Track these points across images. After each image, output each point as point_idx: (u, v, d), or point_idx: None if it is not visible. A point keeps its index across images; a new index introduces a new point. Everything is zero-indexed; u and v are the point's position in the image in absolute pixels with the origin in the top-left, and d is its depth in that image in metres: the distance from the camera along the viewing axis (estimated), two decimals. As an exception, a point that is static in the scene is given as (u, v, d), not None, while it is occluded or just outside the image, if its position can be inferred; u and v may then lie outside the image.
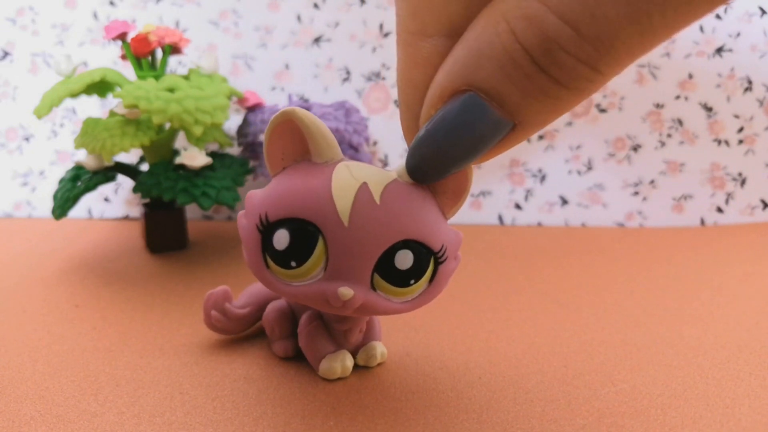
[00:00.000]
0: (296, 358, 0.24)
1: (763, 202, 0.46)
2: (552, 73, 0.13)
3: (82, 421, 0.19)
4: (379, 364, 0.23)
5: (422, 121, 0.16)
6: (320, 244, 0.18)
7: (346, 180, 0.17)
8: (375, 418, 0.20)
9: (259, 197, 0.18)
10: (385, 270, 0.18)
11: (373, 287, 0.18)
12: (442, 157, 0.16)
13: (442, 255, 0.19)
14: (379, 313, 0.19)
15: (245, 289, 0.26)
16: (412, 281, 0.18)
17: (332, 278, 0.18)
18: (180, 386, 0.22)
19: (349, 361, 0.22)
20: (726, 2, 0.12)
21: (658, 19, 0.12)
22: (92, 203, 0.48)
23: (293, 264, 0.18)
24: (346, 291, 0.18)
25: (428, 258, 0.18)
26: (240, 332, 0.25)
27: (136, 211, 0.48)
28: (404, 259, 0.18)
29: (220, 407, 0.20)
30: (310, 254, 0.18)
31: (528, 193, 0.47)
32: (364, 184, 0.17)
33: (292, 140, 0.18)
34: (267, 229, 0.18)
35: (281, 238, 0.18)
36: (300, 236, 0.18)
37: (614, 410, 0.20)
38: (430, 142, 0.15)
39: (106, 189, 0.48)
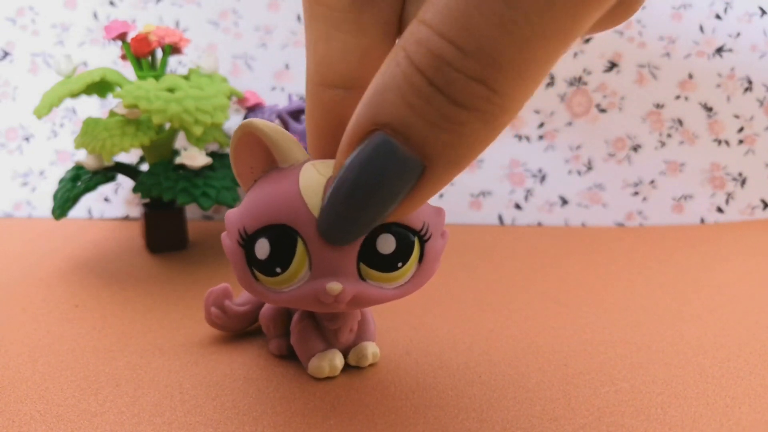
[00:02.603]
0: (296, 358, 0.24)
1: (763, 201, 0.46)
2: (447, 92, 0.12)
3: (82, 421, 0.19)
4: (371, 365, 0.23)
5: (334, 172, 0.15)
6: (300, 245, 0.18)
7: (312, 177, 0.17)
8: (375, 418, 0.20)
9: (236, 215, 0.19)
10: (370, 257, 0.18)
11: (362, 277, 0.18)
12: (353, 209, 0.15)
13: (426, 233, 0.18)
14: (374, 303, 0.19)
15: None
16: (400, 264, 0.18)
17: (319, 276, 0.18)
18: (180, 386, 0.22)
19: (339, 361, 0.22)
20: (590, 14, 0.12)
21: (526, 27, 0.11)
22: (92, 203, 0.48)
23: (278, 270, 0.18)
24: (334, 286, 0.18)
25: (412, 239, 0.18)
26: (239, 330, 0.26)
27: (136, 211, 0.48)
28: (386, 243, 0.18)
29: (220, 407, 0.20)
30: (292, 257, 0.18)
31: (528, 193, 0.47)
32: (331, 178, 0.17)
33: (256, 152, 0.18)
34: (247, 242, 0.18)
35: (262, 248, 0.18)
36: (279, 241, 0.18)
37: (614, 410, 0.20)
38: (340, 193, 0.15)
39: (106, 189, 0.48)
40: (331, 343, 0.22)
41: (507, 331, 0.26)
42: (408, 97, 0.13)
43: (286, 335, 0.24)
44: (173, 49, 0.37)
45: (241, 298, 0.26)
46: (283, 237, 0.18)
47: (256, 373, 0.23)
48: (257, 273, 0.18)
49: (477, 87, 0.12)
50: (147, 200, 0.40)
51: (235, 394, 0.21)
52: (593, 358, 0.24)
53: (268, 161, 0.19)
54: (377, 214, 0.15)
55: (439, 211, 0.19)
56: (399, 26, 0.16)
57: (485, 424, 0.19)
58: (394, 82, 0.13)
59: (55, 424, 0.19)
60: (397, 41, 0.14)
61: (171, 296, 0.31)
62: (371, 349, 0.23)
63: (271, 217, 0.18)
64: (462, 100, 0.12)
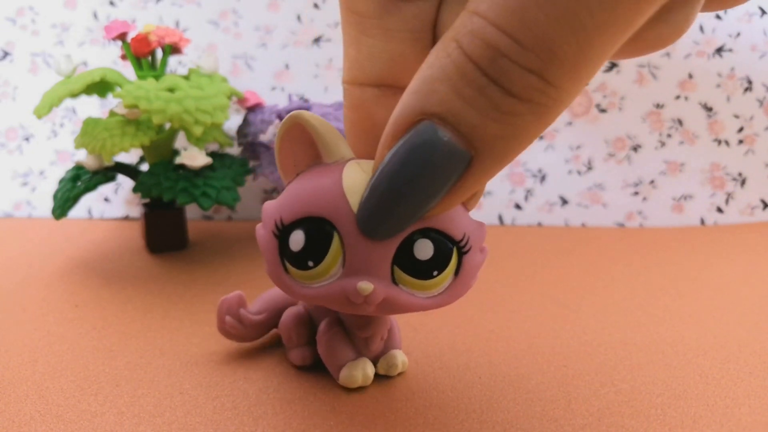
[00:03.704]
0: (318, 368, 0.23)
1: (763, 202, 0.46)
2: (502, 83, 0.12)
3: (82, 421, 0.19)
4: (399, 374, 0.23)
5: (375, 164, 0.15)
6: (336, 241, 0.17)
7: (356, 175, 0.17)
8: (375, 418, 0.20)
9: (273, 206, 0.18)
10: (405, 262, 0.17)
11: (395, 282, 0.18)
12: (395, 200, 0.15)
13: (465, 244, 0.18)
14: (404, 310, 0.18)
15: (260, 296, 0.25)
16: (435, 273, 0.18)
17: (351, 275, 0.17)
18: (180, 386, 0.22)
19: (371, 370, 0.21)
20: (651, 5, 0.12)
21: (587, 18, 0.11)
22: (92, 203, 0.48)
23: (310, 264, 0.17)
24: (366, 285, 0.17)
25: (450, 248, 0.18)
26: (254, 340, 0.25)
27: (136, 211, 0.48)
28: (424, 249, 0.17)
29: (220, 407, 0.20)
30: (326, 251, 0.17)
31: (528, 193, 0.47)
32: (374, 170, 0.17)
33: (302, 144, 0.18)
34: (283, 233, 0.18)
35: (297, 239, 0.17)
36: (315, 234, 0.17)
37: (614, 410, 0.20)
38: (382, 183, 0.15)
39: (106, 189, 0.48)
40: (361, 352, 0.22)
41: (507, 332, 0.26)
42: (459, 87, 0.13)
43: (310, 344, 0.23)
44: (173, 49, 0.37)
45: (255, 306, 0.24)
46: (319, 230, 0.17)
47: (256, 374, 0.23)
48: (288, 265, 0.18)
49: (533, 79, 0.12)
50: (147, 200, 0.40)
51: (235, 395, 0.21)
52: (593, 358, 0.24)
53: (313, 155, 0.18)
54: (420, 206, 0.15)
55: (480, 225, 0.18)
56: (432, 33, 0.17)
57: (485, 425, 0.19)
58: (443, 73, 0.13)
59: (55, 424, 0.19)
60: (445, 34, 0.14)
61: (171, 296, 0.31)
62: (400, 358, 0.22)
63: (309, 209, 0.17)
64: (517, 91, 0.12)
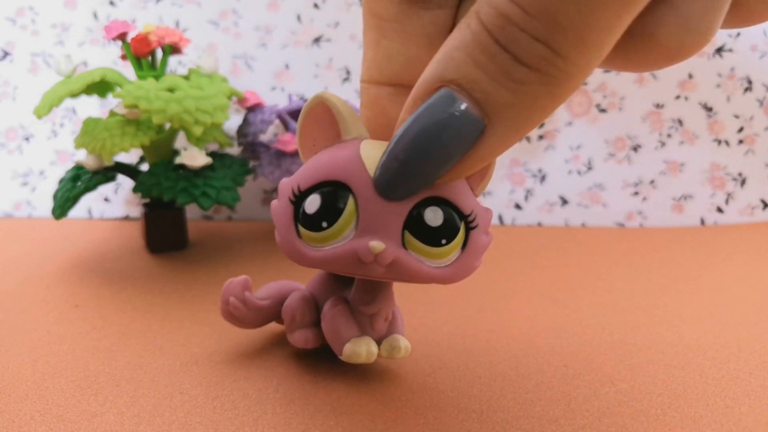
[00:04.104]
0: (298, 359, 0.24)
1: (763, 202, 0.46)
2: (512, 50, 0.13)
3: (82, 421, 0.19)
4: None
5: (396, 128, 0.16)
6: (351, 202, 0.18)
7: (373, 145, 0.18)
8: (375, 418, 0.20)
9: (291, 177, 0.19)
10: (416, 227, 0.18)
11: (405, 247, 0.18)
12: (412, 161, 0.16)
13: (473, 220, 0.19)
14: (412, 276, 0.18)
15: (264, 285, 0.25)
16: (444, 241, 0.18)
17: (363, 236, 0.18)
18: (180, 386, 0.22)
19: (375, 347, 0.21)
20: None
21: None
22: (92, 203, 0.48)
23: (324, 225, 0.18)
24: (377, 244, 0.18)
25: (458, 219, 0.18)
26: (255, 326, 0.25)
27: (136, 211, 0.48)
28: (434, 216, 0.18)
29: (220, 407, 0.20)
30: (341, 213, 0.18)
31: (528, 193, 0.47)
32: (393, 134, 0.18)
33: (323, 124, 0.19)
34: (299, 198, 0.18)
35: (313, 202, 0.18)
36: (330, 196, 0.18)
37: (614, 410, 0.20)
38: (400, 144, 0.16)
39: (106, 189, 0.48)
40: (366, 330, 0.22)
41: (507, 332, 0.26)
42: (474, 54, 0.13)
43: (313, 326, 0.23)
44: (173, 49, 0.37)
45: (261, 293, 0.25)
46: (335, 193, 0.18)
47: (257, 373, 0.23)
48: (302, 229, 0.18)
49: (540, 47, 0.13)
50: (147, 200, 0.40)
51: (235, 394, 0.21)
52: (593, 358, 0.24)
53: (333, 135, 0.19)
54: (435, 169, 0.16)
55: (487, 210, 0.19)
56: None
57: (485, 425, 0.19)
58: (463, 42, 0.14)
59: (55, 424, 0.19)
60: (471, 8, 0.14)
61: (171, 296, 0.31)
62: (403, 342, 0.22)
63: (327, 174, 0.18)
64: (525, 58, 0.13)
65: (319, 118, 0.19)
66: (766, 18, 0.15)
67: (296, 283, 0.25)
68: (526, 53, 0.13)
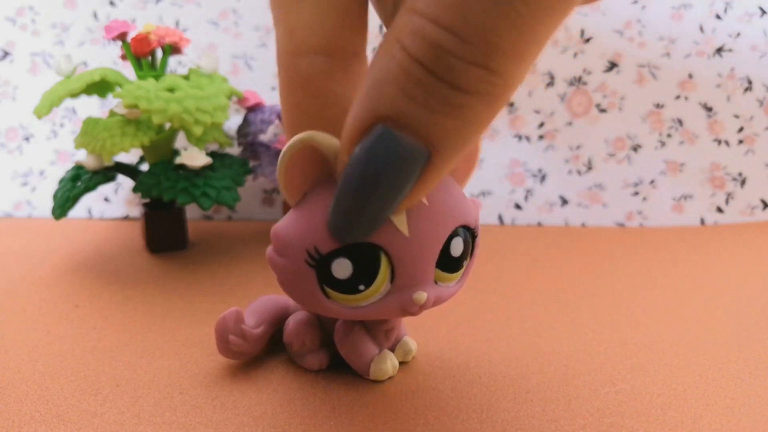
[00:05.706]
0: (328, 370, 0.23)
1: (763, 202, 0.46)
2: (449, 79, 0.13)
3: (82, 421, 0.19)
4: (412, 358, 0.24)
5: (338, 169, 0.15)
6: (384, 261, 0.17)
7: None
8: (375, 418, 0.20)
9: (294, 231, 0.17)
10: (443, 261, 0.18)
11: (435, 281, 0.19)
12: (362, 203, 0.15)
13: (476, 229, 0.19)
14: (442, 302, 0.19)
15: (249, 309, 0.24)
16: (464, 263, 0.19)
17: (402, 287, 0.18)
18: (180, 386, 0.22)
19: (396, 360, 0.22)
20: None
21: (522, 7, 0.12)
22: (92, 203, 0.48)
23: (361, 288, 0.18)
24: (421, 296, 0.18)
25: (471, 237, 0.19)
26: (253, 355, 0.24)
27: (136, 211, 0.48)
28: (457, 246, 0.18)
29: (220, 407, 0.20)
30: (377, 272, 0.17)
31: (528, 193, 0.47)
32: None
33: (314, 165, 0.17)
34: (320, 262, 0.17)
35: (343, 267, 0.17)
36: (363, 260, 0.17)
37: (614, 410, 0.20)
38: (348, 189, 0.15)
39: (106, 189, 0.48)
40: (381, 344, 0.22)
41: (507, 332, 0.26)
42: (407, 88, 0.13)
43: (323, 348, 0.23)
44: (173, 49, 0.37)
45: (251, 320, 0.23)
46: (367, 255, 0.17)
47: (256, 374, 0.23)
48: (330, 291, 0.18)
49: (478, 71, 0.12)
50: (147, 200, 0.40)
51: (235, 394, 0.21)
52: (593, 358, 0.24)
53: (325, 175, 0.17)
54: (386, 206, 0.15)
55: (476, 204, 0.20)
56: None
57: (485, 425, 0.19)
58: (391, 75, 0.13)
59: (55, 424, 0.19)
60: (387, 32, 0.14)
61: (171, 296, 0.31)
62: (413, 344, 0.23)
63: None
64: (464, 85, 0.13)
65: (308, 160, 0.17)
66: None
67: (278, 297, 0.25)
68: (464, 79, 0.12)
